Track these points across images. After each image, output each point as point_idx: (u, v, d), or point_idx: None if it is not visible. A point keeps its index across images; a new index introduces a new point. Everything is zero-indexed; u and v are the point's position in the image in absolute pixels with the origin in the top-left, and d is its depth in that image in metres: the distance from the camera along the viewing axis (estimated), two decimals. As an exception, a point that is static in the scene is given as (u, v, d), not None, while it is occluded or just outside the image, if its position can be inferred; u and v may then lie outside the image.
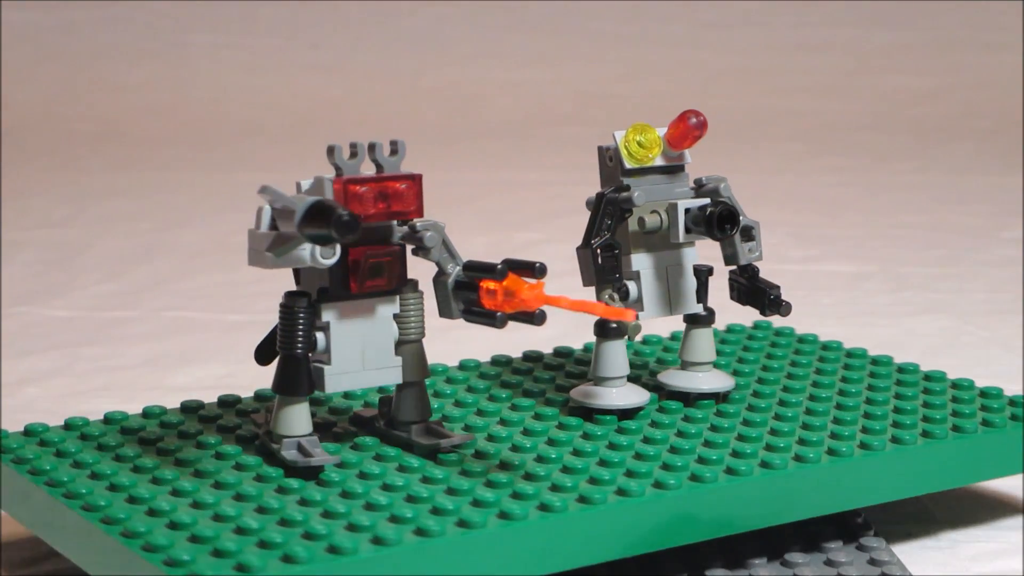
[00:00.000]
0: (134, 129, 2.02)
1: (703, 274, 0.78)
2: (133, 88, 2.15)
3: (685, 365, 0.79)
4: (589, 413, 0.76)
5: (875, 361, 0.86)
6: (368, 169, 0.68)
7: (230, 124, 2.03)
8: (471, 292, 0.67)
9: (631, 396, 0.77)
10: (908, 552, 0.76)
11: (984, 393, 0.81)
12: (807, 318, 1.10)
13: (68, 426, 0.74)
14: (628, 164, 0.76)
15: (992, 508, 0.83)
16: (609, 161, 0.77)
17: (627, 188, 0.75)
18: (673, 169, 0.77)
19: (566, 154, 1.84)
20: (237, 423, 0.74)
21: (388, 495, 0.64)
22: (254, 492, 0.64)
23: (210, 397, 1.01)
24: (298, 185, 0.67)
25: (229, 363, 1.09)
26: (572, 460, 0.68)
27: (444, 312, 0.69)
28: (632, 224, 0.76)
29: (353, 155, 0.67)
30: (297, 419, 0.68)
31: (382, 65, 2.22)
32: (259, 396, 0.79)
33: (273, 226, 0.65)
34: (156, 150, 1.92)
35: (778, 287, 0.77)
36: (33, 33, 2.22)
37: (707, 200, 0.75)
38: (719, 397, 0.78)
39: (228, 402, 0.78)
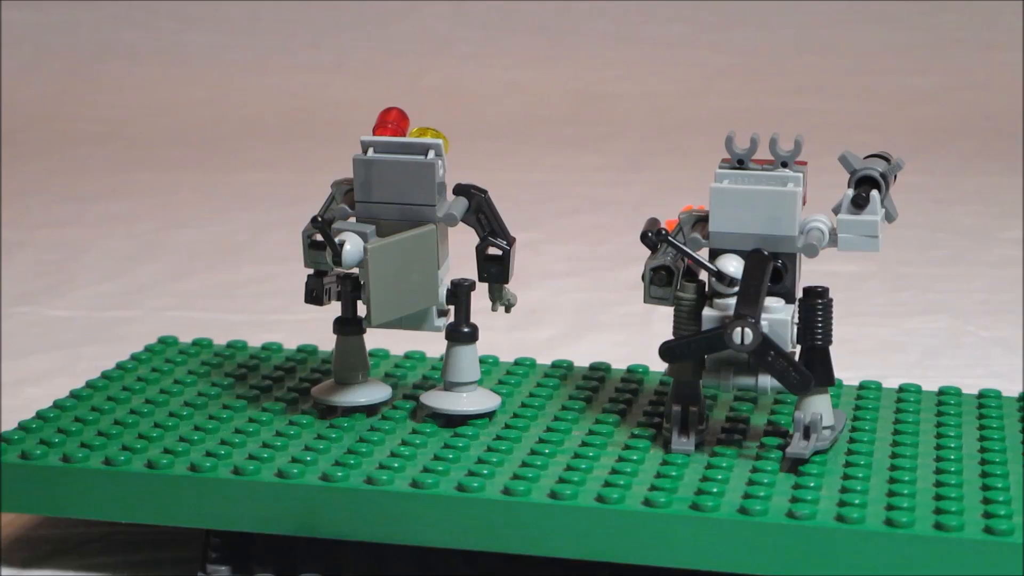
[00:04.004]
0: (134, 129, 2.02)
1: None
2: (133, 88, 2.15)
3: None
4: (439, 417, 0.76)
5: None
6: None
7: (230, 124, 2.03)
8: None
9: (482, 401, 0.77)
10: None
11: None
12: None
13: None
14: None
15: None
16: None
17: (479, 187, 0.79)
18: None
19: (566, 154, 1.84)
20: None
21: None
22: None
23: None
24: None
25: (229, 363, 1.09)
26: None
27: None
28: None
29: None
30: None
31: (382, 65, 2.22)
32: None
33: None
34: (156, 150, 1.91)
35: None
36: (33, 33, 2.22)
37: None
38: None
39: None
